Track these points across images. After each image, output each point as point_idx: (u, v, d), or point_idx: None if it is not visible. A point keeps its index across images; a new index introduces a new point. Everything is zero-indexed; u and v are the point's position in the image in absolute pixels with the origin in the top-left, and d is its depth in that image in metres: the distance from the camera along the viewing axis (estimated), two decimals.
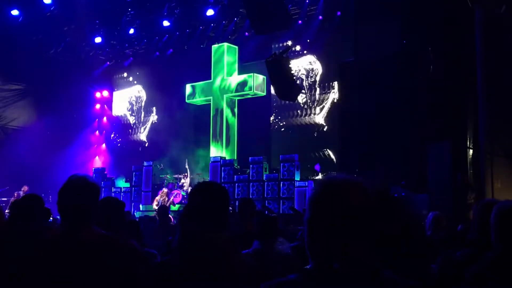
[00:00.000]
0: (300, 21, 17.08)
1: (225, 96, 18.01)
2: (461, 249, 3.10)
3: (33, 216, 3.75)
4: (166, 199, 15.84)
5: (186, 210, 2.60)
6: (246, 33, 18.06)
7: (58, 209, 2.71)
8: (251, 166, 16.12)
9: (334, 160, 16.68)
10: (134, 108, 22.43)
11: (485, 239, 2.79)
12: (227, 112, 18.11)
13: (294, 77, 14.37)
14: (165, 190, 16.27)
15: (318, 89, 17.56)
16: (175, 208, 15.67)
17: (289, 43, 17.76)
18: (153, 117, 21.69)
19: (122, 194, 18.32)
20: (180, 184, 17.36)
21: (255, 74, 17.22)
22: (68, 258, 2.55)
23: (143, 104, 22.12)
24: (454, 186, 10.35)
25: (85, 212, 2.67)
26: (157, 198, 15.92)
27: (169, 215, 10.96)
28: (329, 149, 16.93)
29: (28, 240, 2.88)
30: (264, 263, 3.54)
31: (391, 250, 2.17)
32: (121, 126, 22.55)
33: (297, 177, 15.23)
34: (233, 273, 2.41)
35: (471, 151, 11.21)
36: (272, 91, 16.81)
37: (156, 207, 14.98)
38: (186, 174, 17.67)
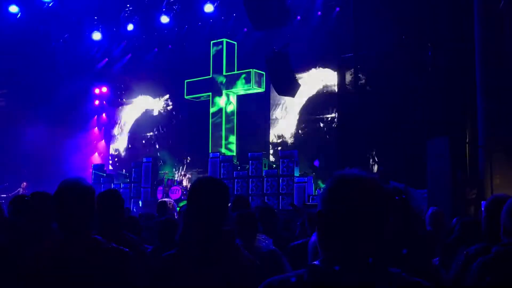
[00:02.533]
0: (298, 17, 17.06)
1: (224, 92, 18.01)
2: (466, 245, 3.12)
3: (41, 216, 3.58)
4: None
5: (187, 206, 2.61)
6: (245, 29, 18.04)
7: (54, 216, 2.59)
8: (250, 162, 16.13)
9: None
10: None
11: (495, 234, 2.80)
12: (226, 108, 18.11)
13: (294, 73, 14.36)
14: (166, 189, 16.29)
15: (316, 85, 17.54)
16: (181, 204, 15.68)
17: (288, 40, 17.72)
18: (152, 114, 21.63)
19: (121, 190, 18.29)
20: (179, 180, 17.36)
21: (254, 70, 17.21)
22: (65, 268, 2.43)
23: (141, 101, 22.07)
24: (453, 182, 10.36)
25: (82, 219, 2.53)
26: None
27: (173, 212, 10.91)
28: (328, 145, 16.91)
29: (31, 241, 2.80)
30: None
31: (392, 247, 2.17)
32: (120, 121, 22.53)
33: (297, 173, 15.24)
34: (232, 268, 2.42)
35: (470, 147, 11.22)
36: (272, 86, 16.82)
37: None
38: (185, 170, 17.67)
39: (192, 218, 2.52)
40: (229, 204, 2.65)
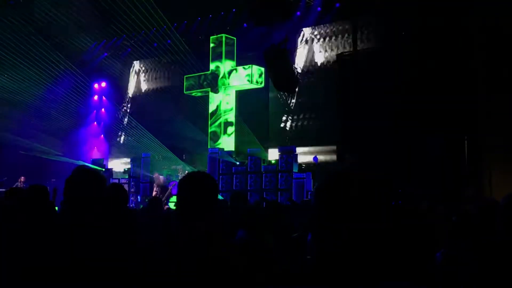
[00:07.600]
0: (298, 13, 17.04)
1: (223, 87, 17.99)
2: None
3: (37, 208, 3.74)
4: (161, 190, 15.72)
5: (177, 200, 2.67)
6: (245, 24, 18.00)
7: (65, 199, 2.76)
8: (249, 157, 16.12)
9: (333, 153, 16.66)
10: (131, 99, 22.37)
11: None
12: (225, 103, 18.10)
13: (293, 69, 14.34)
14: (160, 178, 16.11)
15: (315, 80, 17.52)
16: (173, 199, 15.64)
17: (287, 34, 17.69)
18: (151, 108, 21.60)
19: None
20: (177, 175, 17.35)
21: (253, 65, 17.20)
22: (73, 247, 2.60)
23: (141, 95, 22.06)
24: (452, 181, 10.38)
25: (93, 204, 2.74)
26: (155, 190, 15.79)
27: (166, 206, 10.92)
28: (327, 142, 16.91)
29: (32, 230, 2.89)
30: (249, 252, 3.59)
31: (388, 243, 2.18)
32: (119, 118, 22.53)
33: (295, 169, 15.23)
34: (216, 260, 2.44)
35: (469, 147, 11.23)
36: (271, 82, 16.80)
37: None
38: (183, 165, 17.67)
39: (178, 211, 2.58)
40: (218, 197, 2.71)
